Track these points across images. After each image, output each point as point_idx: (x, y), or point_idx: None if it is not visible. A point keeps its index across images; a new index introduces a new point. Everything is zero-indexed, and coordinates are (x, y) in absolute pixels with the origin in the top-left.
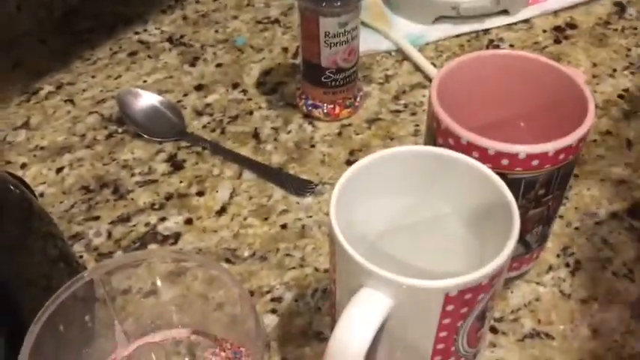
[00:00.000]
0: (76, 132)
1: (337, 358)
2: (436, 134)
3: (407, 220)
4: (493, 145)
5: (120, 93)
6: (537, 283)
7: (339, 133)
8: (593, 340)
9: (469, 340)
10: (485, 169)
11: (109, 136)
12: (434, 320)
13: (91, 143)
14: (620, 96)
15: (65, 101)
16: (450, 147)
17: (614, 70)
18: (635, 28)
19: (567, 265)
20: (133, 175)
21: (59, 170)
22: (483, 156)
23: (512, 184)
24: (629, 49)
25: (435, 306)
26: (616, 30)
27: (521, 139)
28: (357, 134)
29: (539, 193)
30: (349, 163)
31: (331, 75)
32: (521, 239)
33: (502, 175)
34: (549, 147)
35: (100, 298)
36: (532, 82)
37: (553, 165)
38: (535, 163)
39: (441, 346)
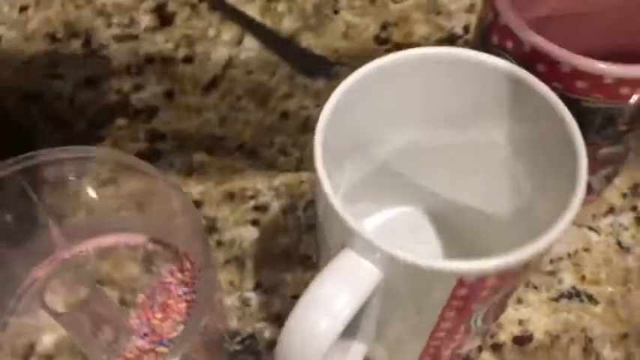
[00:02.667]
0: None
1: (298, 337)
2: (491, 30)
3: (438, 140)
4: (568, 58)
5: None
6: (590, 229)
7: (373, 0)
8: None
9: (486, 318)
10: (551, 95)
11: None
12: (440, 302)
13: None
14: None
15: None
16: (507, 52)
17: None
18: None
19: (634, 208)
20: (109, 25)
21: (23, 9)
22: (552, 71)
23: (586, 114)
24: None
25: (442, 288)
26: None
27: (611, 55)
28: (396, 3)
29: (620, 129)
30: (378, 40)
31: None
32: None
33: (574, 102)
34: None
35: (28, 196)
36: None
37: None
38: (625, 91)
39: (446, 324)
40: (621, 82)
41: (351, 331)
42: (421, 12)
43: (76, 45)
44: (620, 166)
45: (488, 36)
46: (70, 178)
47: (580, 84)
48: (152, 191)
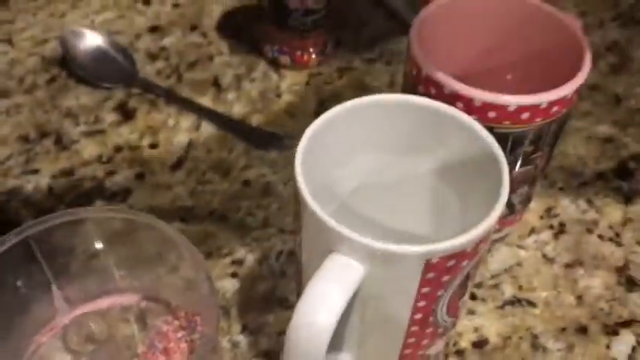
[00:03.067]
0: (14, 75)
1: (303, 332)
2: (416, 82)
3: (383, 177)
4: (480, 96)
5: (64, 33)
6: (519, 247)
7: (308, 83)
8: (577, 307)
9: (449, 309)
10: (473, 123)
11: (51, 80)
12: (412, 289)
13: (31, 88)
14: (607, 48)
15: (2, 41)
16: (432, 97)
17: (602, 21)
18: None
19: (551, 227)
20: (77, 124)
21: None
22: (468, 107)
23: (499, 139)
24: None
25: (413, 274)
26: None
27: (507, 91)
28: (328, 84)
29: (527, 149)
30: (319, 114)
31: (300, 17)
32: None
33: (488, 129)
34: (542, 98)
35: (36, 260)
36: (521, 27)
37: (545, 119)
38: (525, 116)
39: (418, 316)
40: (521, 108)
41: (336, 344)
42: (350, 89)
43: (47, 143)
44: (534, 186)
45: (414, 87)
46: (74, 241)
47: (491, 114)
48: (151, 243)
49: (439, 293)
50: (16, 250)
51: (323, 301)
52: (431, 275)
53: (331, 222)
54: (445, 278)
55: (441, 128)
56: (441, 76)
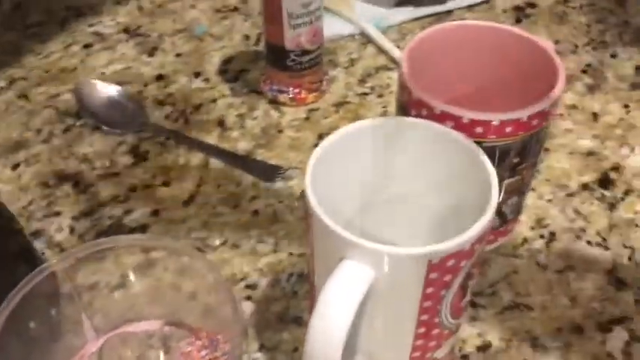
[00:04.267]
0: (31, 127)
1: (320, 334)
2: (408, 106)
3: (381, 195)
4: (467, 114)
5: (77, 85)
6: (513, 256)
7: (307, 118)
8: (571, 308)
9: (452, 310)
10: (462, 137)
11: (66, 129)
12: (417, 290)
13: (48, 138)
14: (583, 71)
15: (18, 97)
16: (423, 118)
17: (576, 47)
18: (593, 4)
19: (542, 236)
20: (93, 168)
21: (15, 167)
22: (457, 125)
23: (487, 152)
24: (589, 26)
25: (418, 275)
26: (574, 8)
27: (492, 111)
28: (325, 118)
29: (513, 161)
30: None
31: (296, 58)
32: (498, 210)
33: (477, 144)
34: (523, 113)
35: (66, 292)
36: (501, 53)
37: (527, 131)
38: (509, 129)
39: (424, 317)
40: (505, 123)
41: (350, 349)
42: (346, 121)
43: (67, 187)
44: (523, 196)
45: (407, 110)
46: (100, 271)
47: (478, 129)
48: (178, 271)
49: (442, 293)
50: (48, 284)
51: (336, 304)
52: (434, 275)
53: (341, 231)
54: (447, 278)
55: (436, 145)
56: (430, 99)
